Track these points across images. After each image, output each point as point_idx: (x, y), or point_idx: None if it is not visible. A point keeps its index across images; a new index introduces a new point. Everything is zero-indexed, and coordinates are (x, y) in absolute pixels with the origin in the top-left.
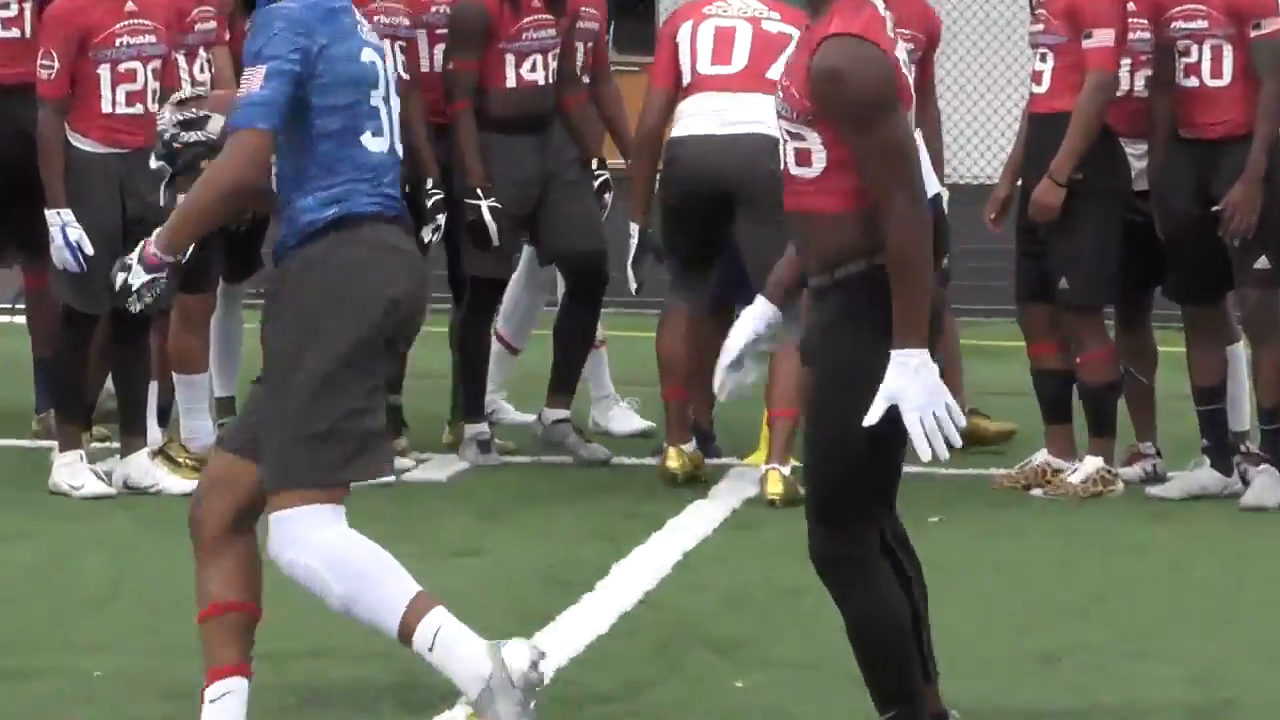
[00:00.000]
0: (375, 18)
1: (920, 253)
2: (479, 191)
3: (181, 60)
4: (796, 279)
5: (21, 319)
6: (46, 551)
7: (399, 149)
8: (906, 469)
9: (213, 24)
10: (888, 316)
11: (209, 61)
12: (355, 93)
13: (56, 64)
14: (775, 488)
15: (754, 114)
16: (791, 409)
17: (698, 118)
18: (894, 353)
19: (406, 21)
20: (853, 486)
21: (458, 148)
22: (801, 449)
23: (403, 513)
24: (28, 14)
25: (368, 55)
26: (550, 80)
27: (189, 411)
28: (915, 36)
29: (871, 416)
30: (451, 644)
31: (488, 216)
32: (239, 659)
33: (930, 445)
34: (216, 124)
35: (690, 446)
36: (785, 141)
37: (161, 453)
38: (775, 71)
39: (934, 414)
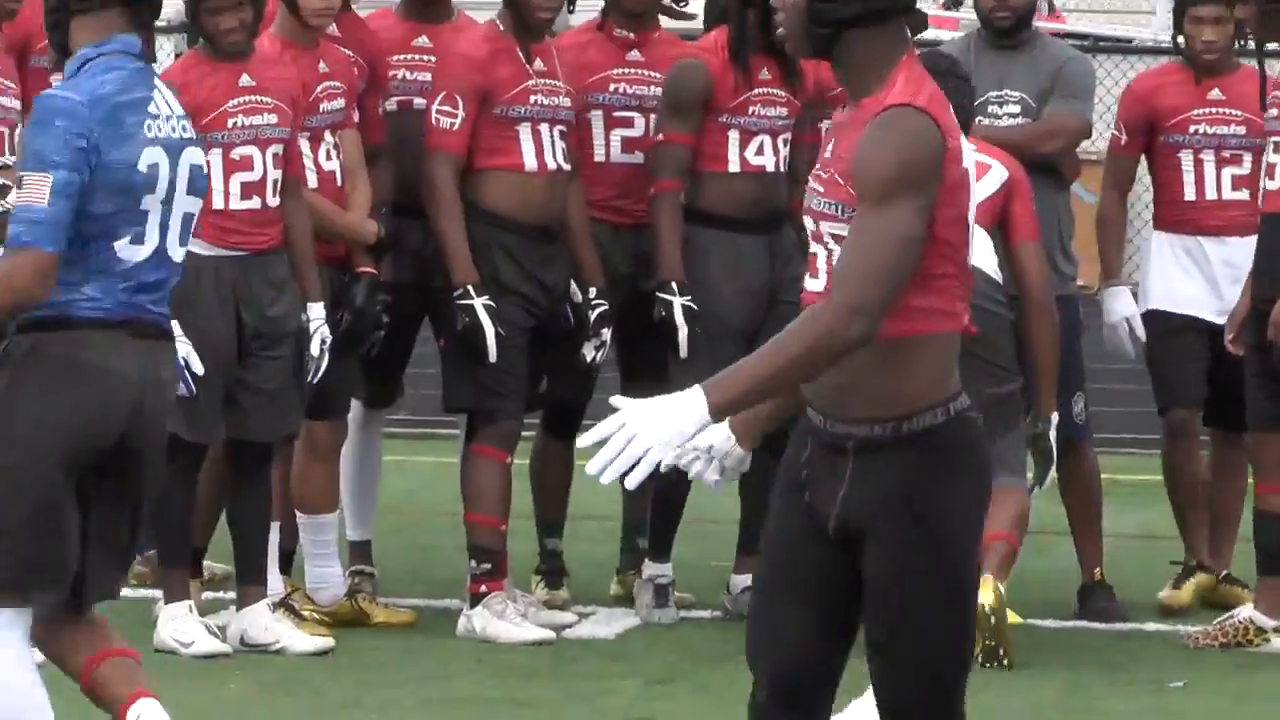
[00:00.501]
0: (532, 97)
1: (806, 358)
2: (673, 285)
3: (305, 145)
4: (778, 418)
5: None
6: None
7: (172, 253)
8: (1147, 628)
9: (340, 103)
10: (977, 480)
11: (336, 147)
12: (120, 201)
13: None
14: (986, 595)
15: None
16: (1007, 533)
17: None
18: (699, 386)
19: (568, 103)
20: (948, 676)
21: (654, 234)
22: (869, 652)
23: (562, 674)
24: None
25: (149, 158)
26: (782, 169)
27: (315, 557)
28: (1249, 120)
29: (619, 399)
30: None
31: (679, 317)
32: (140, 688)
33: (602, 453)
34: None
35: None
36: (831, 253)
37: (284, 605)
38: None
39: (638, 445)
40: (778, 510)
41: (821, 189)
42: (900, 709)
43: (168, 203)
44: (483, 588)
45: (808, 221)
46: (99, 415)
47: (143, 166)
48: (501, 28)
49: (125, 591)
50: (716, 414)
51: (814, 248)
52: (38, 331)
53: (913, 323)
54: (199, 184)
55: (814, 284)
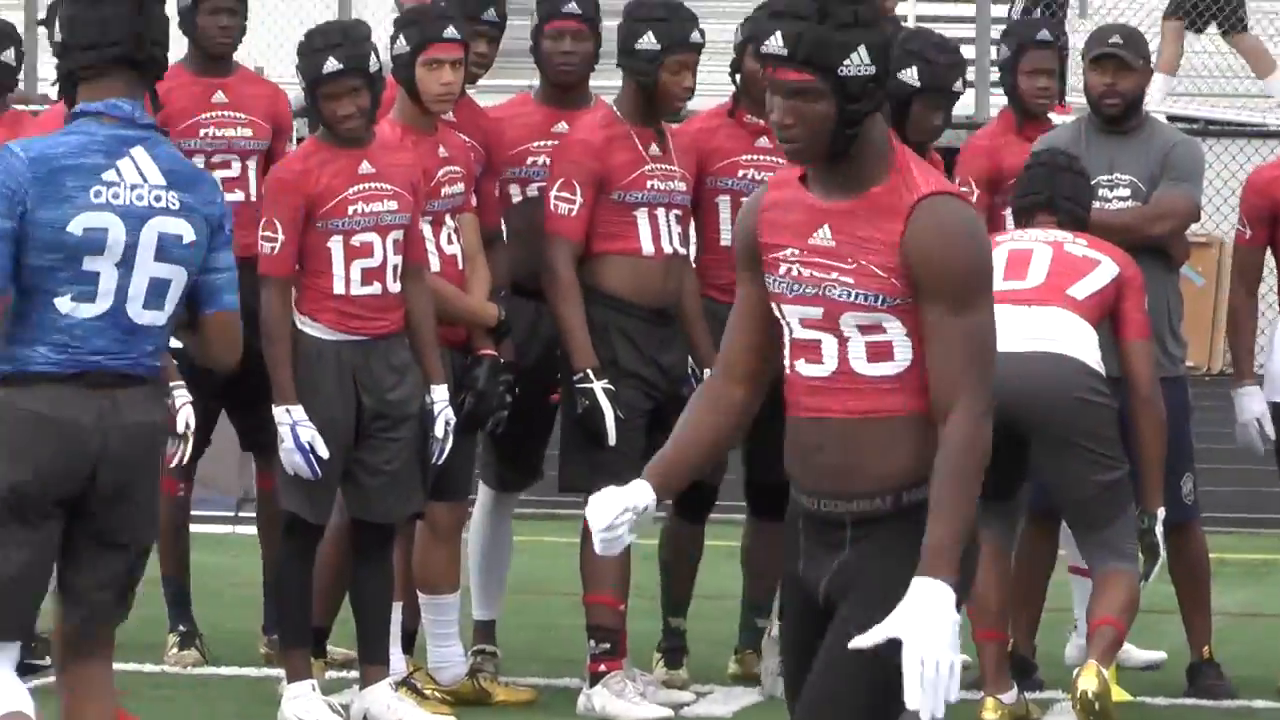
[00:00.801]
0: (648, 182)
1: (980, 473)
2: None
3: (427, 230)
4: (688, 477)
5: (245, 529)
6: None
7: (134, 316)
8: (1256, 705)
9: (460, 187)
10: (965, 551)
11: (456, 231)
12: (53, 258)
13: (281, 236)
14: (1090, 681)
15: (1052, 330)
16: (1115, 619)
17: None
18: (922, 579)
19: (683, 187)
20: None
21: None
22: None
23: None
24: (252, 174)
25: (90, 221)
26: None
27: (436, 637)
28: None
29: (867, 640)
30: None
31: None
32: None
33: (924, 697)
34: None
35: (1011, 696)
36: (845, 339)
37: (406, 683)
38: (1078, 290)
39: (945, 667)
40: (782, 588)
41: (849, 279)
42: None
43: (124, 266)
44: (602, 667)
45: (805, 310)
46: (53, 465)
47: (76, 229)
48: (618, 114)
49: (249, 670)
50: (955, 587)
51: (813, 334)
52: (3, 387)
53: (928, 398)
54: (174, 253)
55: (814, 370)
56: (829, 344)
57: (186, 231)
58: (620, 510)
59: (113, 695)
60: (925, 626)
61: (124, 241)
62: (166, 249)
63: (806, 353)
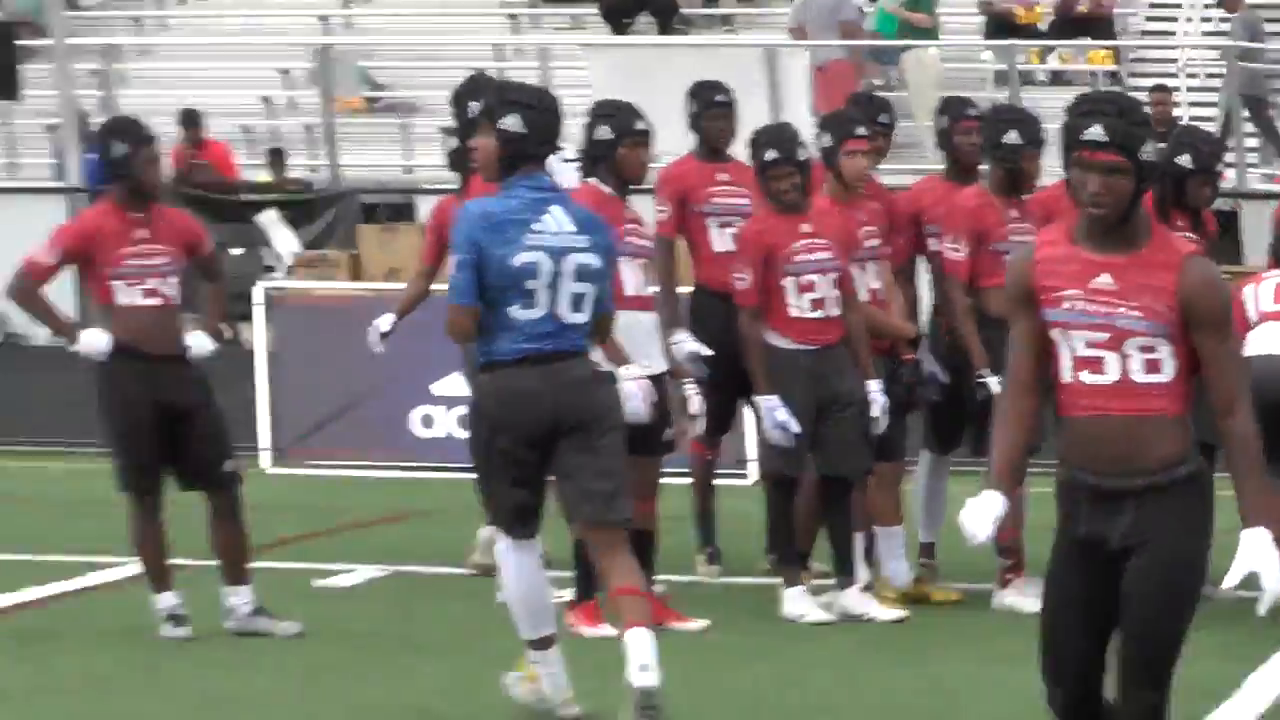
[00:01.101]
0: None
1: (1261, 449)
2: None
3: (856, 270)
4: (1019, 474)
5: (741, 482)
6: (779, 670)
7: (563, 316)
8: None
9: (876, 241)
10: (1213, 510)
11: (877, 272)
12: (504, 281)
13: (749, 277)
14: None
15: None
16: None
17: (1265, 340)
18: (1252, 530)
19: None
20: (1178, 651)
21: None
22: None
23: None
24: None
25: (527, 257)
26: None
27: (888, 555)
28: None
29: (1233, 579)
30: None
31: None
32: (636, 619)
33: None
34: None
35: None
36: (1126, 357)
37: (868, 588)
38: None
39: None
40: (1057, 547)
41: (1137, 312)
42: (1145, 662)
43: (553, 286)
44: (1008, 575)
45: (1092, 334)
46: (523, 418)
47: (517, 262)
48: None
49: (755, 579)
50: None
51: (1097, 353)
52: (483, 372)
53: (1185, 405)
54: (585, 275)
55: (1097, 379)
56: (1112, 360)
57: (594, 261)
58: (993, 522)
59: (636, 573)
60: (1270, 558)
61: (551, 270)
62: (581, 273)
63: (1090, 366)
